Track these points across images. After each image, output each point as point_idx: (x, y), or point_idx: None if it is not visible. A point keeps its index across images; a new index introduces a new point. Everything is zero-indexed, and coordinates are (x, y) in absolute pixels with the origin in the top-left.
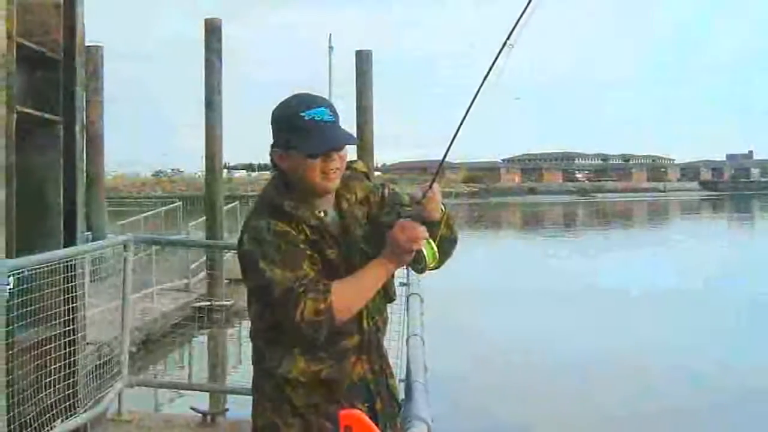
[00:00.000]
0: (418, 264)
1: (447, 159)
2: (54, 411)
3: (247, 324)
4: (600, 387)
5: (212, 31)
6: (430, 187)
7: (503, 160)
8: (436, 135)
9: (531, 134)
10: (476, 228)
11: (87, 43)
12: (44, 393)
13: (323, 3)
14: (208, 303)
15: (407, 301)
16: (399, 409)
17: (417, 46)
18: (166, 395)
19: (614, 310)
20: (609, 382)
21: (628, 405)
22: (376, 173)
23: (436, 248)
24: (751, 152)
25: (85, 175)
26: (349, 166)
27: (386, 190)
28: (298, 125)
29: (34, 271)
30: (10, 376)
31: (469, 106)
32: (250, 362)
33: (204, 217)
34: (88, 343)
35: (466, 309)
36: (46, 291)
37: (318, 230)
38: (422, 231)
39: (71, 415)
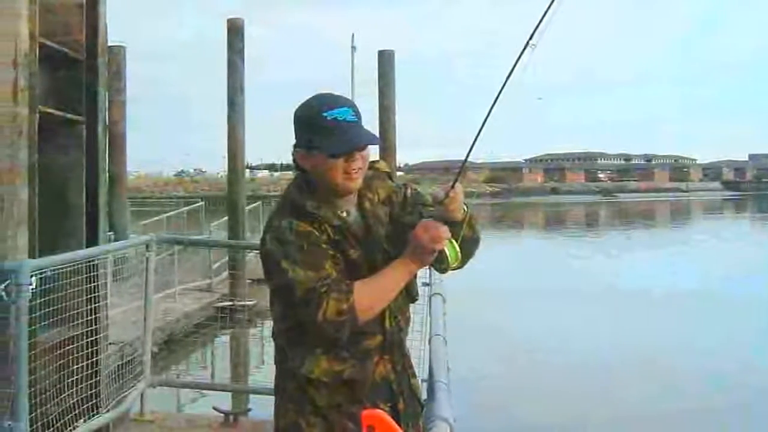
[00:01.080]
0: (440, 264)
1: (469, 159)
2: (76, 411)
3: (269, 324)
4: (622, 386)
5: (235, 31)
6: (453, 187)
7: (525, 160)
8: (453, 135)
9: (553, 134)
10: (498, 228)
11: (109, 43)
12: (67, 393)
13: (341, 3)
14: (231, 303)
15: (430, 301)
16: (421, 408)
17: (434, 44)
18: (188, 395)
19: (637, 309)
20: (631, 381)
21: (651, 405)
22: (399, 173)
23: (458, 248)
24: None
25: (107, 175)
26: (372, 166)
27: (409, 190)
28: (321, 125)
29: (56, 271)
30: (33, 376)
31: (492, 106)
32: (273, 362)
33: (226, 217)
34: (110, 343)
35: (489, 309)
36: (69, 291)
37: (340, 230)
38: (445, 231)
39: (94, 415)
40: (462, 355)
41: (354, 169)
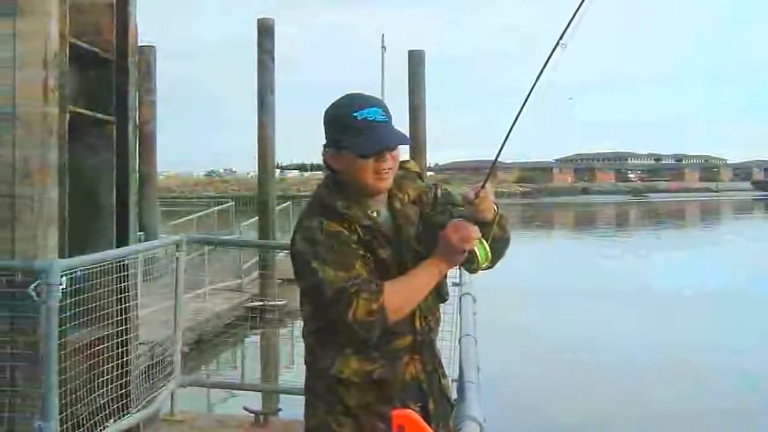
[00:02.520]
0: (470, 264)
1: (499, 159)
2: (106, 411)
3: (299, 324)
4: (652, 386)
5: (265, 31)
6: (483, 186)
7: (556, 160)
8: (482, 135)
9: (583, 134)
10: (529, 228)
11: (139, 43)
12: (97, 393)
13: (372, 2)
14: (261, 303)
15: (460, 300)
16: (451, 409)
17: (464, 42)
18: (218, 395)
19: (667, 309)
20: (662, 381)
21: (681, 405)
22: (429, 173)
23: (488, 248)
24: None
25: (137, 175)
26: (402, 166)
27: (439, 190)
28: (351, 125)
29: (86, 271)
30: (63, 376)
31: (522, 106)
32: (303, 362)
33: (256, 217)
34: (140, 343)
35: (519, 308)
36: (99, 291)
37: (370, 230)
38: (475, 231)
39: (124, 415)
40: (492, 355)
41: (384, 169)
